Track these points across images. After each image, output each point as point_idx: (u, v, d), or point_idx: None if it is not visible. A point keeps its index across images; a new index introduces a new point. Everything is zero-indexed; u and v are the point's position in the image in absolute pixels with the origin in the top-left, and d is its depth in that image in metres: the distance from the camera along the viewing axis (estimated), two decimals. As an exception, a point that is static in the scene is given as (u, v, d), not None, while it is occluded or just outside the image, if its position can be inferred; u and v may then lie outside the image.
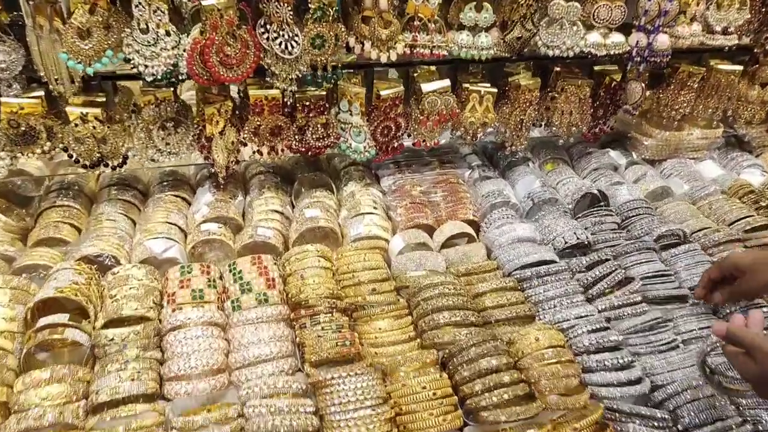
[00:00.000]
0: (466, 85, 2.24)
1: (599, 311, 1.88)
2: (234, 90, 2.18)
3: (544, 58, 2.26)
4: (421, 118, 2.21)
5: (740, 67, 2.48)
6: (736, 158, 2.78)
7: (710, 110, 2.58)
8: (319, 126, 2.10)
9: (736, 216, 2.30)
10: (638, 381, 1.66)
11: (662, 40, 2.22)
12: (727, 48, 2.42)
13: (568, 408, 1.56)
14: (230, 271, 1.93)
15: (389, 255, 2.13)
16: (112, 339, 1.62)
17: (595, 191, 2.38)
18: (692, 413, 1.58)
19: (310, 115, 2.06)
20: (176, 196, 2.30)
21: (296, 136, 2.11)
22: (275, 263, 1.98)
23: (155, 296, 1.80)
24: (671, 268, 2.08)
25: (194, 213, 2.19)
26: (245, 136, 2.07)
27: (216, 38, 1.78)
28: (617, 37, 2.22)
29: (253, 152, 2.11)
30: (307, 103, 2.04)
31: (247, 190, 2.38)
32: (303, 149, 2.15)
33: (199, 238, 2.07)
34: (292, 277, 1.94)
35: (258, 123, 2.04)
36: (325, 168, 2.57)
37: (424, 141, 2.28)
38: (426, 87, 2.15)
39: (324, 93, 2.06)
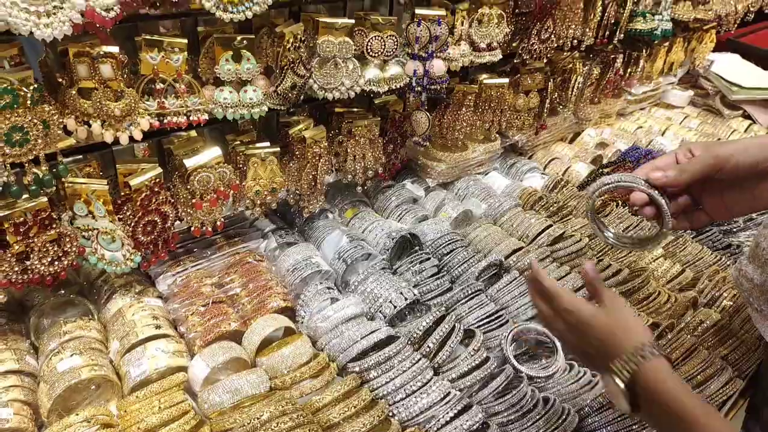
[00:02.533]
0: (242, 149, 1.82)
1: (451, 382, 1.68)
2: None
3: (321, 102, 1.94)
4: (194, 200, 1.73)
5: (506, 80, 2.49)
6: (515, 164, 2.85)
7: (487, 124, 2.57)
8: (47, 245, 1.48)
9: (536, 230, 2.30)
10: (518, 462, 1.50)
11: (438, 66, 2.08)
12: (489, 63, 2.40)
13: None
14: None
15: (192, 386, 1.63)
16: None
17: (405, 234, 2.18)
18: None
19: (30, 235, 1.44)
20: None
21: (15, 267, 1.46)
22: (25, 459, 1.34)
23: None
24: (500, 303, 1.99)
25: None
26: (-73, 284, 1.37)
27: None
28: (395, 69, 2.01)
29: (-52, 305, 1.41)
30: (21, 221, 1.41)
31: (-45, 349, 1.63)
32: (32, 280, 1.51)
33: None
34: (57, 474, 1.34)
35: (-56, 265, 1.35)
36: (74, 279, 1.91)
37: (203, 226, 1.80)
38: (191, 163, 1.68)
39: (45, 201, 1.45)
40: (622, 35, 2.92)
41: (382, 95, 2.09)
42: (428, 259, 2.10)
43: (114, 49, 1.42)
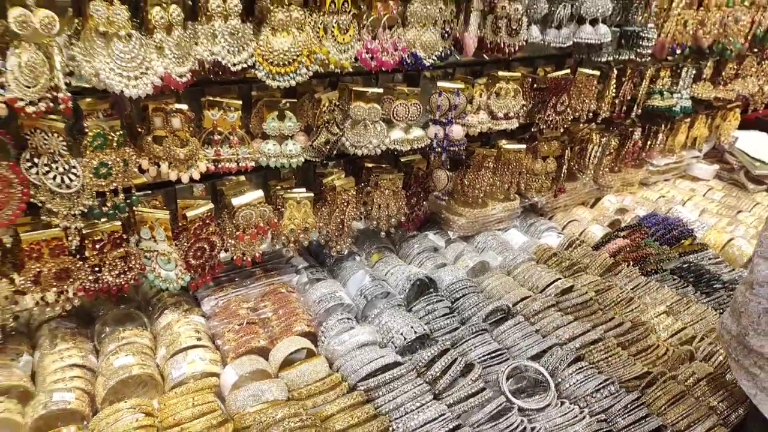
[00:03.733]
0: (281, 192, 2.15)
1: (449, 406, 1.86)
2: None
3: (353, 157, 2.27)
4: (237, 233, 2.05)
5: (524, 146, 2.76)
6: (534, 223, 3.06)
7: (506, 185, 2.83)
8: (117, 261, 1.82)
9: (546, 281, 2.49)
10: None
11: (457, 131, 2.38)
12: (508, 130, 2.68)
13: None
14: (18, 462, 1.53)
15: (222, 391, 1.89)
16: None
17: (423, 277, 2.42)
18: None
19: (104, 250, 1.78)
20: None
21: (90, 277, 1.80)
22: (81, 435, 1.62)
23: None
24: (503, 343, 2.17)
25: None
26: (22, 284, 1.72)
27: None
28: (417, 132, 2.33)
29: (36, 303, 1.75)
30: (98, 238, 1.76)
31: (35, 344, 1.96)
32: (101, 289, 1.84)
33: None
34: (104, 449, 1.60)
35: (38, 269, 1.70)
36: (133, 297, 2.25)
37: (243, 256, 2.11)
38: (237, 201, 2.01)
39: (119, 224, 1.80)
40: (639, 110, 3.15)
41: (406, 154, 2.40)
42: (441, 300, 2.32)
43: (183, 107, 1.80)
